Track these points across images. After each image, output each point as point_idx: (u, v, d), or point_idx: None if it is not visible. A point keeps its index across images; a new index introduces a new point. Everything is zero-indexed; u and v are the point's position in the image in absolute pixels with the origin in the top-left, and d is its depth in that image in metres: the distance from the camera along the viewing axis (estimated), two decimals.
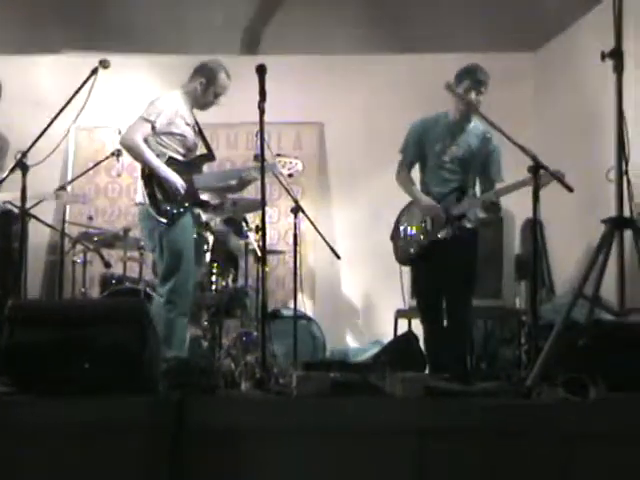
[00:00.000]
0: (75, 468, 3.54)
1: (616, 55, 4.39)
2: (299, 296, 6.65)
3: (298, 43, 8.55)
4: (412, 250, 6.05)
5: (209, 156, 6.21)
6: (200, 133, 6.21)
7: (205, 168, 6.18)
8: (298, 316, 6.78)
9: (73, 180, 7.97)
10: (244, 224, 7.17)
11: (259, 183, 4.79)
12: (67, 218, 8.29)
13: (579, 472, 3.58)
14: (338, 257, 6.43)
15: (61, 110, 4.98)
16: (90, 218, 8.01)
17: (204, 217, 6.53)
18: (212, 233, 6.92)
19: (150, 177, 5.87)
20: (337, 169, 9.02)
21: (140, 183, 5.93)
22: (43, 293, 8.38)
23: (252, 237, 7.08)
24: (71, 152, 8.90)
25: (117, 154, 6.95)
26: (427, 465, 3.58)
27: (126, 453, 3.54)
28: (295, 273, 6.43)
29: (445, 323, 5.90)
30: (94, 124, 8.52)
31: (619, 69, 4.39)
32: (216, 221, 7.15)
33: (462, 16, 7.83)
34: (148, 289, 6.94)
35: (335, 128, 8.97)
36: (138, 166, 5.98)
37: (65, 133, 5.51)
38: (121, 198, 8.80)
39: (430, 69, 7.84)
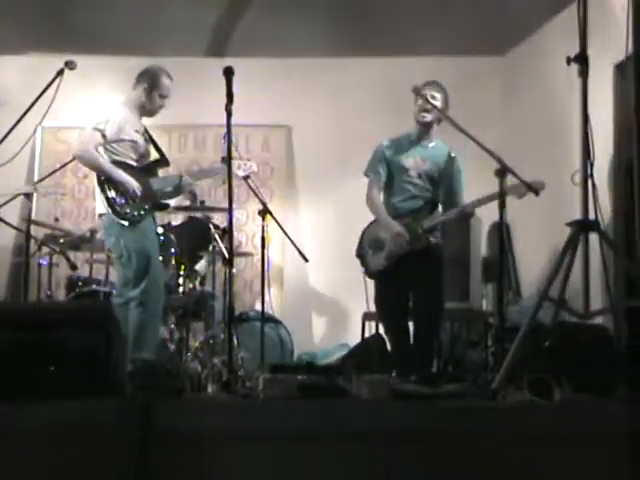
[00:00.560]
0: (41, 472, 3.52)
1: (581, 59, 4.42)
2: (267, 299, 6.65)
3: (266, 46, 8.55)
4: (382, 262, 6.04)
5: (163, 161, 6.28)
6: (151, 140, 6.28)
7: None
8: (265, 319, 6.77)
9: (40, 181, 7.91)
10: (211, 227, 7.15)
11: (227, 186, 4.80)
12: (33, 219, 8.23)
13: (544, 474, 3.60)
14: (306, 260, 6.43)
15: (27, 110, 4.96)
16: (56, 220, 7.96)
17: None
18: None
19: (106, 183, 5.93)
20: (305, 172, 9.02)
21: (98, 192, 5.98)
22: (8, 295, 8.33)
23: (219, 239, 7.06)
24: (37, 153, 8.86)
25: None
26: (394, 467, 3.59)
27: (92, 456, 3.52)
28: (262, 276, 6.42)
29: (412, 330, 5.94)
30: (61, 125, 8.48)
31: (584, 73, 4.42)
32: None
33: (430, 20, 7.86)
34: (114, 291, 6.91)
35: (303, 131, 8.98)
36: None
37: (31, 134, 5.48)
38: (88, 199, 8.74)
39: (398, 73, 7.87)
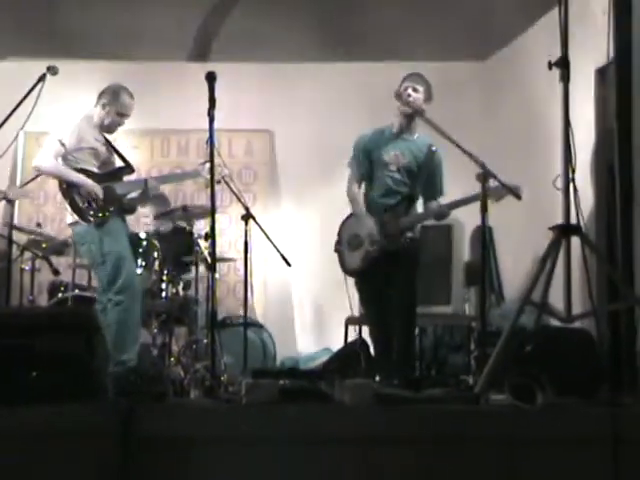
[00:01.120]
0: (23, 477, 3.51)
1: (562, 64, 4.45)
2: (250, 303, 6.64)
3: (249, 51, 8.54)
4: (357, 262, 6.02)
5: (127, 168, 6.34)
6: (115, 150, 6.34)
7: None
8: (248, 323, 6.77)
9: (23, 186, 7.89)
10: (194, 232, 7.14)
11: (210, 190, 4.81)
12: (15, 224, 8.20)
13: (527, 478, 3.61)
14: (289, 264, 6.43)
15: (9, 115, 4.97)
16: (39, 225, 7.94)
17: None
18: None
19: (68, 190, 6.02)
20: (288, 177, 9.02)
21: (61, 200, 6.10)
22: None
23: (202, 244, 7.05)
24: (20, 158, 8.83)
25: None
26: (377, 472, 3.59)
27: (74, 461, 3.51)
28: (245, 280, 6.42)
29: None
30: (43, 129, 8.44)
31: (565, 78, 4.45)
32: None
33: (411, 26, 7.87)
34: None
35: (286, 136, 8.97)
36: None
37: (14, 138, 5.48)
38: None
39: (380, 78, 7.86)
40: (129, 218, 6.34)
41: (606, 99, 6.33)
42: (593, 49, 5.93)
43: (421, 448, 3.59)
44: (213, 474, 3.57)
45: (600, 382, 4.32)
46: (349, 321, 7.18)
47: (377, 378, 5.75)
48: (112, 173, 6.22)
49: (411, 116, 5.93)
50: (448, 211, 5.84)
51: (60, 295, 7.11)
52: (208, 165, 5.86)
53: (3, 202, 6.96)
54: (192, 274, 7.21)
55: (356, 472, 3.57)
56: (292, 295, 8.90)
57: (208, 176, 6.08)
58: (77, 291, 7.14)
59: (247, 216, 6.50)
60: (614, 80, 5.43)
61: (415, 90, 5.89)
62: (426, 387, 4.59)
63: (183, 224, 7.23)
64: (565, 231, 4.38)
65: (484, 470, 3.59)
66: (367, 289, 6.00)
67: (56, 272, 7.24)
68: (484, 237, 4.98)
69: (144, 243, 6.79)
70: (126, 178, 6.34)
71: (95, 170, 6.12)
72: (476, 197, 5.25)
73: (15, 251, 7.39)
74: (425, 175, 5.96)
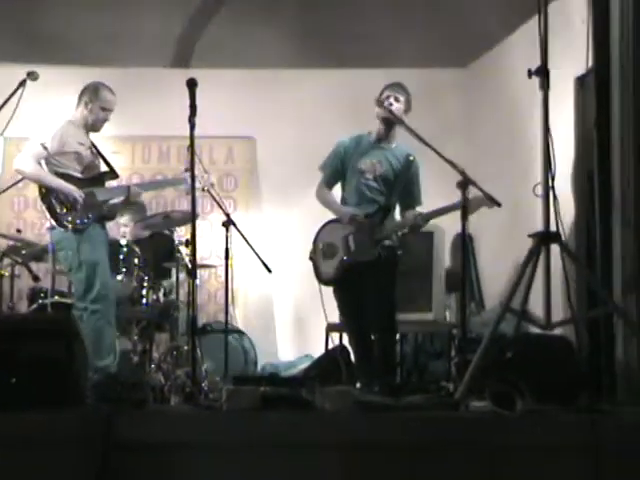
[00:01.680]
0: None
1: (542, 73, 4.47)
2: (230, 310, 6.63)
3: (230, 57, 8.55)
4: (331, 271, 6.02)
5: (110, 173, 6.32)
6: (99, 154, 6.32)
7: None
8: (229, 330, 6.76)
9: (3, 192, 7.86)
10: (175, 238, 7.14)
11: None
12: None
13: None
14: (269, 271, 6.42)
15: None
16: (19, 231, 7.91)
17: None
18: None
19: (47, 194, 6.00)
20: (269, 183, 9.02)
21: (40, 204, 6.06)
22: None
23: (183, 251, 7.04)
24: (0, 163, 8.80)
25: None
26: (358, 479, 3.59)
27: (54, 467, 3.50)
28: (226, 287, 6.41)
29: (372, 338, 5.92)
30: (23, 135, 8.42)
31: (545, 86, 4.47)
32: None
33: (393, 32, 7.89)
34: None
35: (267, 142, 8.97)
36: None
37: None
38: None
39: (362, 84, 7.88)
40: (108, 224, 6.33)
41: (585, 107, 6.37)
42: (572, 57, 5.97)
43: (402, 454, 3.60)
44: None
45: (579, 389, 4.34)
46: (330, 328, 7.19)
47: (358, 385, 5.76)
48: (94, 178, 6.20)
49: (390, 124, 5.93)
50: (423, 223, 5.84)
51: (40, 301, 7.08)
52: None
53: None
54: (173, 280, 7.20)
55: (337, 479, 3.57)
56: (273, 301, 8.90)
57: (196, 185, 6.10)
58: (57, 297, 7.12)
59: (228, 223, 6.49)
60: (593, 88, 5.46)
61: (397, 99, 5.90)
62: (407, 394, 4.59)
63: (164, 230, 7.23)
64: (545, 238, 4.40)
65: (464, 477, 3.60)
66: (343, 297, 6.00)
67: (36, 278, 7.22)
68: (464, 244, 4.99)
69: (124, 249, 6.78)
70: (109, 184, 6.32)
71: (77, 175, 6.09)
72: (453, 207, 5.29)
73: None
74: (402, 184, 5.95)
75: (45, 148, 5.98)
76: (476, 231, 5.83)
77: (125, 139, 8.67)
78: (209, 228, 8.59)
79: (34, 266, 7.39)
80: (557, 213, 4.49)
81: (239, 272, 8.44)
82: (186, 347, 6.77)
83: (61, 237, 6.00)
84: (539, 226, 4.49)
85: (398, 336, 6.60)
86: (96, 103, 6.15)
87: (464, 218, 4.85)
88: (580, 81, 6.54)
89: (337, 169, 6.05)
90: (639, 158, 5.03)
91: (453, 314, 7.58)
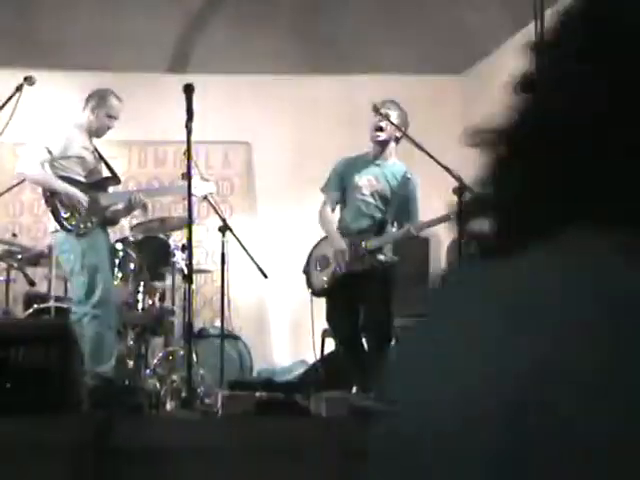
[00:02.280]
0: None
1: None
2: (226, 315, 6.63)
3: (227, 63, 8.56)
4: (323, 282, 6.06)
5: (113, 179, 6.35)
6: (102, 159, 6.33)
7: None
8: (225, 335, 6.76)
9: None
10: (171, 243, 7.14)
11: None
12: None
13: None
14: (265, 276, 6.43)
15: None
16: (14, 235, 7.90)
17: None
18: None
19: (51, 197, 6.02)
20: (265, 189, 9.02)
21: (45, 207, 6.13)
22: None
23: (179, 256, 7.04)
24: None
25: None
26: None
27: (50, 473, 3.50)
28: (222, 292, 6.42)
29: (366, 346, 5.95)
30: (19, 140, 8.42)
31: None
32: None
33: (390, 38, 7.91)
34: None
35: (263, 148, 8.98)
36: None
37: None
38: (47, 215, 8.67)
39: (358, 91, 7.90)
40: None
41: None
42: None
43: None
44: None
45: None
46: (325, 333, 7.19)
47: (353, 390, 5.76)
48: (98, 183, 6.20)
49: (384, 142, 5.98)
50: (417, 232, 5.88)
51: (36, 306, 7.07)
52: (194, 181, 5.90)
53: None
54: (168, 283, 7.20)
55: None
56: (268, 307, 8.90)
57: (194, 192, 6.11)
58: (53, 302, 7.11)
59: (224, 228, 6.50)
60: None
61: (389, 116, 5.88)
62: None
63: (160, 235, 7.23)
64: None
65: None
66: (335, 307, 6.03)
67: (32, 283, 7.21)
68: (461, 250, 4.99)
69: (120, 254, 6.78)
70: (111, 189, 6.32)
71: (81, 179, 6.09)
72: (445, 218, 5.34)
73: None
74: (398, 201, 6.00)
75: (49, 152, 5.96)
76: None
77: (121, 144, 8.66)
78: (205, 233, 8.60)
79: (30, 271, 7.38)
80: None
81: (235, 277, 8.46)
82: (182, 352, 6.77)
83: (64, 240, 6.01)
84: None
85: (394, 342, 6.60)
86: (103, 109, 6.15)
87: (460, 224, 4.86)
88: None
89: (337, 189, 6.09)
90: None
91: None
